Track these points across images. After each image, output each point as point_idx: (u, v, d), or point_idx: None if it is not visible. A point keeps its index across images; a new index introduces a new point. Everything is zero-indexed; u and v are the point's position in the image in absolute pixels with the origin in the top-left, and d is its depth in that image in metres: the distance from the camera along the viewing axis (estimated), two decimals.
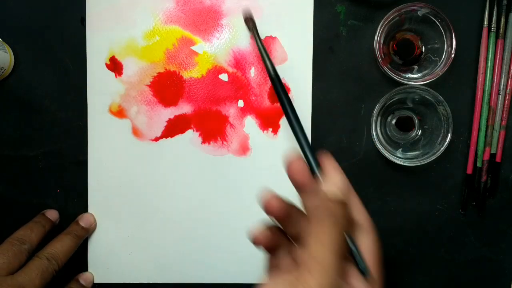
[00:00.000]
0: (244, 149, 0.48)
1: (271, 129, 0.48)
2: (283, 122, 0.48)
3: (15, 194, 0.49)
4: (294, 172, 0.31)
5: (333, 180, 0.31)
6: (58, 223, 0.48)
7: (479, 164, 0.48)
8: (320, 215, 0.29)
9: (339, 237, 0.28)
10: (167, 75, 0.48)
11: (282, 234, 0.34)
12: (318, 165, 0.32)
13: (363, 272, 0.29)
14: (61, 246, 0.44)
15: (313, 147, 0.33)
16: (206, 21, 0.48)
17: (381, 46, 0.46)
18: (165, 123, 0.48)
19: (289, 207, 0.32)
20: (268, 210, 0.32)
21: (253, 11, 0.48)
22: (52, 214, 0.47)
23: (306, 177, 0.31)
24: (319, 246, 0.27)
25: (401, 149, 0.47)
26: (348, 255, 0.30)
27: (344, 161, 0.48)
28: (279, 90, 0.37)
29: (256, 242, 0.33)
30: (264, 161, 0.48)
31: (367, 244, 0.30)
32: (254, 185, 0.48)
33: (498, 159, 0.47)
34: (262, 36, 0.48)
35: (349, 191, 0.32)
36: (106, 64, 0.48)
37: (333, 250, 0.27)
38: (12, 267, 0.41)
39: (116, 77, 0.48)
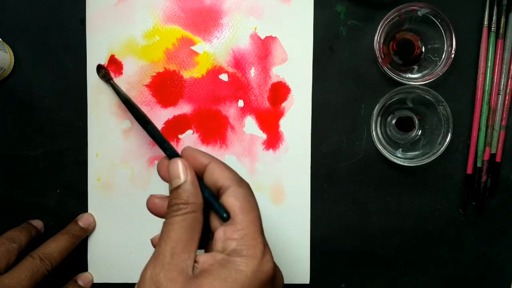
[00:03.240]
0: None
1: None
2: (283, 122, 0.48)
3: (15, 194, 0.49)
4: (162, 175, 0.34)
5: (171, 167, 0.32)
6: (42, 234, 0.48)
7: (479, 164, 0.48)
8: (166, 215, 0.31)
9: (178, 225, 0.30)
10: (167, 74, 0.48)
11: None
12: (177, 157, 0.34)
13: (222, 217, 0.31)
14: (56, 246, 0.44)
15: (171, 146, 0.35)
16: (206, 21, 0.48)
17: (381, 46, 0.46)
18: (162, 125, 0.48)
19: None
20: (153, 211, 0.35)
21: (254, 11, 0.48)
22: (37, 223, 0.48)
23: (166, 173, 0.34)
24: (158, 241, 0.31)
25: (401, 149, 0.47)
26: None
27: (344, 161, 0.48)
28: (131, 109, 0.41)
29: (152, 210, 0.35)
30: (265, 164, 0.48)
31: (226, 200, 0.31)
32: (254, 186, 0.48)
33: (498, 159, 0.47)
34: (262, 36, 0.48)
35: (209, 162, 0.33)
36: (106, 64, 0.48)
37: (166, 238, 0.30)
38: (0, 266, 0.41)
39: (116, 76, 0.48)
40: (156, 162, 0.48)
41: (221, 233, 0.31)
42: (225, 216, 0.31)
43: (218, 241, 0.30)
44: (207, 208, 0.32)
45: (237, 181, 0.32)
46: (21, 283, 0.40)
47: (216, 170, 0.32)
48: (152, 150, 0.49)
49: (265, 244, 0.30)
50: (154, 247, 0.33)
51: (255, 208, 0.31)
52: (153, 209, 0.34)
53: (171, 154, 0.35)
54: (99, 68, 0.48)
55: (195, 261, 0.30)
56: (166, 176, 0.34)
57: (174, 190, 0.32)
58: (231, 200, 0.31)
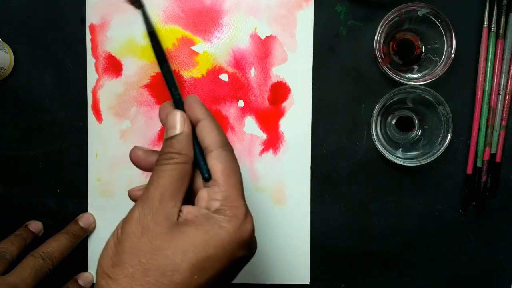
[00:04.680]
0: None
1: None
2: (283, 122, 0.48)
3: (15, 194, 0.49)
4: (161, 116, 0.35)
5: (170, 117, 0.33)
6: (41, 235, 0.48)
7: (479, 164, 0.48)
8: (156, 160, 0.32)
9: (167, 172, 0.31)
10: None
11: None
12: (181, 106, 0.34)
13: (203, 177, 0.32)
14: (57, 246, 0.44)
15: (179, 93, 0.35)
16: (206, 21, 0.48)
17: (381, 46, 0.46)
18: (161, 125, 0.48)
19: (153, 155, 0.35)
20: (135, 163, 0.35)
21: (253, 11, 0.48)
22: (35, 226, 0.47)
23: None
24: (146, 185, 0.31)
25: (401, 149, 0.47)
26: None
27: (344, 161, 0.48)
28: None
29: (136, 162, 0.36)
30: (265, 164, 0.48)
31: (211, 161, 0.32)
32: (254, 186, 0.49)
33: (498, 159, 0.47)
34: (262, 36, 0.48)
35: (202, 119, 0.33)
36: (106, 64, 0.48)
37: (155, 184, 0.31)
38: None
39: (115, 76, 0.48)
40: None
41: (204, 193, 0.32)
42: (206, 176, 0.32)
43: (202, 200, 0.32)
44: (194, 164, 0.33)
45: (223, 144, 0.33)
46: (26, 281, 0.41)
47: (205, 129, 0.33)
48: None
49: (246, 207, 0.32)
50: (132, 198, 0.35)
51: (236, 172, 0.33)
52: (136, 161, 0.35)
53: (175, 100, 0.35)
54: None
55: (180, 211, 0.31)
56: (164, 120, 0.34)
57: (168, 139, 0.32)
58: (214, 162, 0.32)
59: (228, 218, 0.31)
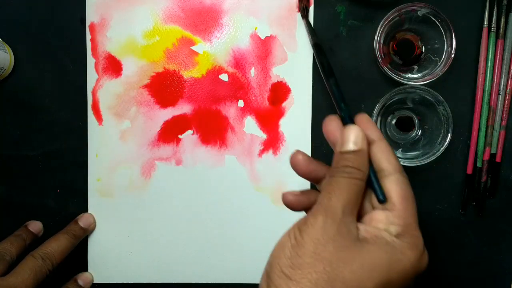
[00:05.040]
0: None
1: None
2: (283, 122, 0.48)
3: (15, 194, 0.49)
4: (327, 129, 0.34)
5: (347, 131, 0.32)
6: (41, 235, 0.48)
7: (479, 164, 0.48)
8: (332, 170, 0.32)
9: (347, 185, 0.30)
10: (166, 75, 0.48)
11: (317, 193, 0.37)
12: (351, 119, 0.34)
13: (378, 198, 0.31)
14: (57, 246, 0.44)
15: (348, 105, 0.35)
16: (206, 21, 0.48)
17: (381, 46, 0.46)
18: (161, 125, 0.48)
19: (315, 164, 0.35)
20: (293, 165, 0.35)
21: (253, 11, 0.48)
22: (35, 227, 0.47)
23: (337, 135, 0.34)
24: (325, 193, 0.31)
25: (401, 149, 0.47)
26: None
27: None
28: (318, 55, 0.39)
29: (288, 205, 0.36)
30: (265, 165, 0.48)
31: (391, 185, 0.31)
32: (254, 186, 0.49)
33: (498, 159, 0.47)
34: (262, 36, 0.48)
35: (378, 140, 0.33)
36: (106, 64, 0.48)
37: (338, 195, 0.30)
38: None
39: (115, 76, 0.48)
40: (157, 163, 0.48)
41: (381, 215, 0.31)
42: (382, 198, 0.31)
43: (378, 222, 0.31)
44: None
45: (401, 170, 0.32)
46: (25, 282, 0.40)
47: (384, 151, 0.32)
48: (152, 150, 0.49)
49: (422, 239, 0.32)
50: (286, 202, 0.35)
51: (414, 201, 0.32)
52: (289, 204, 0.36)
53: (345, 116, 0.34)
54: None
55: (356, 227, 0.30)
56: (330, 133, 0.34)
57: (347, 153, 0.32)
58: (395, 187, 0.31)
59: (410, 246, 0.30)
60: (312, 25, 0.47)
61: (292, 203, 0.35)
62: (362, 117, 0.34)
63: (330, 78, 0.36)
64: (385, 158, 0.32)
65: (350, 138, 0.32)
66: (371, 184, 0.32)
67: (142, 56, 0.48)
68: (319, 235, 0.29)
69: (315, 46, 0.38)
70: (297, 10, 0.46)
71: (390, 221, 0.31)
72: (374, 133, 0.33)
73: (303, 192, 0.36)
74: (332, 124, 0.34)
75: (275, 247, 0.32)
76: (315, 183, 0.37)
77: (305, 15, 0.45)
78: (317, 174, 0.36)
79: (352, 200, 0.30)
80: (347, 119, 0.34)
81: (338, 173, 0.31)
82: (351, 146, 0.32)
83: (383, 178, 0.32)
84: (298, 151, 0.35)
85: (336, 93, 0.35)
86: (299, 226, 0.31)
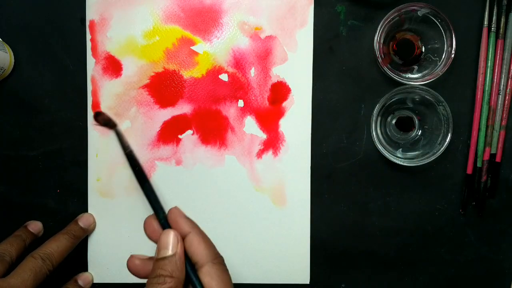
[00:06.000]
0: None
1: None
2: (283, 122, 0.48)
3: (15, 194, 0.49)
4: (148, 232, 0.36)
5: (160, 238, 0.34)
6: (41, 235, 0.48)
7: (479, 164, 0.48)
8: (147, 283, 0.33)
9: None
10: (166, 74, 0.48)
11: None
12: (166, 222, 0.36)
13: None
14: (57, 246, 0.44)
15: (162, 207, 0.37)
16: (206, 20, 0.48)
17: (381, 46, 0.46)
18: (161, 125, 0.48)
19: (149, 264, 0.36)
20: (131, 270, 0.36)
21: (253, 11, 0.48)
22: (35, 227, 0.47)
23: (157, 235, 0.35)
24: None
25: (401, 149, 0.47)
26: None
27: (344, 161, 0.48)
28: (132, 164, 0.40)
29: (131, 270, 0.37)
30: (264, 166, 0.48)
31: (203, 278, 0.33)
32: (254, 186, 0.49)
33: (498, 159, 0.47)
34: (262, 36, 0.48)
35: (189, 233, 0.35)
36: (106, 64, 0.48)
37: None
38: None
39: (115, 77, 0.48)
40: (157, 163, 0.48)
41: None
42: None
43: None
44: (186, 280, 0.34)
45: (212, 258, 0.34)
46: (25, 283, 0.40)
47: (193, 243, 0.34)
48: (152, 150, 0.49)
49: None
50: (130, 267, 0.36)
51: (228, 284, 0.34)
52: (133, 270, 0.36)
53: (160, 219, 0.36)
54: (98, 115, 0.42)
55: None
56: (152, 235, 0.36)
57: (161, 260, 0.33)
58: (208, 279, 0.33)
59: None
60: (312, 25, 0.47)
61: (138, 269, 0.36)
62: (173, 214, 0.36)
63: (145, 184, 0.38)
64: (195, 250, 0.34)
65: (163, 243, 0.34)
66: (192, 283, 0.34)
67: (142, 56, 0.48)
68: None
69: (128, 155, 0.39)
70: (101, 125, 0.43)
71: None
72: (185, 226, 0.35)
73: (151, 259, 0.37)
74: (150, 225, 0.36)
75: None
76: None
77: (112, 126, 0.42)
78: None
79: None
80: (165, 223, 0.36)
81: (151, 284, 0.32)
82: (163, 252, 0.33)
83: (198, 271, 0.33)
84: (132, 256, 0.37)
85: (151, 198, 0.37)
86: None
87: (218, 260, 0.34)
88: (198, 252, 0.34)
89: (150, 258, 0.36)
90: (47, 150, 0.49)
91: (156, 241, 0.35)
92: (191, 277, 0.33)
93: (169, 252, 0.33)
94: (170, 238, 0.33)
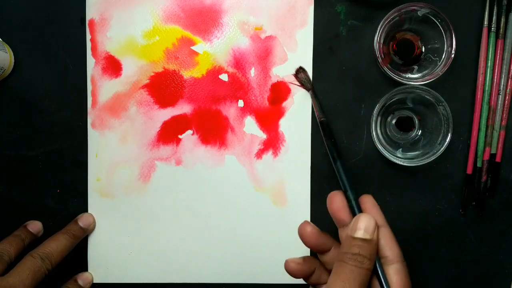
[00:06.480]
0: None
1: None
2: (283, 122, 0.48)
3: (15, 194, 0.49)
4: (333, 207, 0.36)
5: (360, 219, 0.34)
6: (41, 235, 0.48)
7: (479, 164, 0.48)
8: (342, 255, 0.33)
9: (358, 275, 0.32)
10: (166, 74, 0.48)
11: (317, 262, 0.39)
12: (357, 203, 0.36)
13: None
14: (56, 246, 0.44)
15: (354, 188, 0.37)
16: (206, 20, 0.48)
17: (381, 46, 0.46)
18: (161, 125, 0.48)
19: (323, 237, 0.37)
20: (302, 237, 0.37)
21: (253, 11, 0.48)
22: (34, 227, 0.47)
23: (342, 213, 0.36)
24: (339, 282, 0.32)
25: (401, 149, 0.47)
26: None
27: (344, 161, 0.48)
28: (327, 136, 0.39)
29: (290, 273, 0.37)
30: (265, 166, 0.48)
31: (393, 275, 0.33)
32: (254, 186, 0.49)
33: (498, 159, 0.47)
34: (262, 36, 0.48)
35: (382, 226, 0.35)
36: (106, 64, 0.48)
37: (352, 286, 0.32)
38: None
39: (115, 77, 0.48)
40: (157, 163, 0.48)
41: None
42: None
43: None
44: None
45: (402, 258, 0.34)
46: (24, 282, 0.40)
47: (387, 238, 0.34)
48: (152, 150, 0.49)
49: None
50: (288, 269, 0.36)
51: None
52: (291, 272, 0.37)
53: (354, 200, 0.36)
54: (300, 71, 0.45)
55: None
56: (336, 212, 0.36)
57: (360, 240, 0.33)
58: (396, 277, 0.33)
59: None
60: (312, 25, 0.48)
61: (294, 271, 0.37)
62: (368, 201, 0.36)
63: (337, 161, 0.37)
64: (388, 246, 0.34)
65: (363, 226, 0.33)
66: (377, 277, 0.33)
67: (142, 56, 0.48)
68: None
69: (321, 124, 0.39)
70: (300, 86, 0.46)
71: None
72: (379, 219, 0.35)
73: (305, 260, 0.37)
74: (337, 202, 0.36)
75: None
76: (319, 253, 0.38)
77: (310, 88, 0.45)
78: (324, 247, 0.37)
79: None
80: (355, 206, 0.35)
81: (350, 260, 0.32)
82: (363, 234, 0.33)
83: (384, 265, 0.33)
84: (307, 223, 0.37)
85: (343, 178, 0.37)
86: None
87: (404, 261, 0.34)
88: (391, 247, 0.34)
89: (305, 260, 0.37)
90: (47, 150, 0.49)
91: (338, 218, 0.36)
92: (378, 269, 0.33)
93: (369, 236, 0.33)
94: (372, 224, 0.33)
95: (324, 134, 0.38)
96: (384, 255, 0.34)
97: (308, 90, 0.45)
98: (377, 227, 0.34)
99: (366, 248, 0.33)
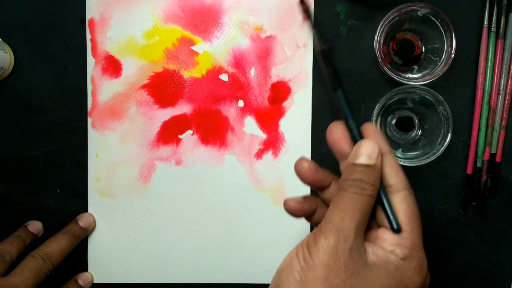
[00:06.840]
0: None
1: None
2: (283, 122, 0.48)
3: (15, 194, 0.49)
4: (333, 137, 0.33)
5: (362, 145, 0.31)
6: (41, 235, 0.48)
7: (479, 164, 0.48)
8: (343, 183, 0.30)
9: (359, 203, 0.29)
10: (166, 74, 0.48)
11: (319, 200, 0.36)
12: (359, 131, 0.33)
13: (392, 226, 0.30)
14: (57, 246, 0.44)
15: (354, 116, 0.33)
16: (206, 20, 0.48)
17: (381, 46, 0.46)
18: (161, 125, 0.48)
19: (321, 172, 0.34)
20: (299, 173, 0.34)
21: (253, 11, 0.48)
22: (35, 227, 0.47)
23: (343, 143, 0.32)
24: (337, 211, 0.29)
25: (401, 149, 0.47)
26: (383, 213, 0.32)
27: None
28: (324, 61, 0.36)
29: (290, 212, 0.35)
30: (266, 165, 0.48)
31: (399, 203, 0.31)
32: (254, 186, 0.49)
33: (498, 159, 0.47)
34: (262, 36, 0.48)
35: (386, 153, 0.32)
36: (106, 64, 0.48)
37: (352, 215, 0.29)
38: None
39: (115, 77, 0.48)
40: (157, 163, 0.48)
41: (389, 235, 0.31)
42: (396, 229, 0.30)
43: (385, 242, 0.30)
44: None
45: (409, 186, 0.31)
46: (26, 282, 0.41)
47: (392, 165, 0.31)
48: (152, 150, 0.49)
49: (426, 260, 0.31)
50: (288, 209, 0.34)
51: (420, 219, 0.32)
52: (291, 211, 0.34)
53: (355, 129, 0.33)
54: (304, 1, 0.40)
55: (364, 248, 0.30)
56: (336, 142, 0.33)
57: (362, 166, 0.30)
58: (403, 205, 0.31)
59: (417, 270, 0.30)
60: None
61: (294, 210, 0.34)
62: (370, 128, 0.33)
63: (339, 89, 0.34)
64: (393, 173, 0.31)
65: (365, 151, 0.31)
66: (382, 206, 0.31)
67: (141, 56, 0.48)
68: (331, 260, 0.28)
69: (322, 52, 0.35)
70: (303, 19, 0.43)
71: (397, 242, 0.30)
72: (383, 146, 0.32)
73: (305, 199, 0.35)
74: (337, 132, 0.33)
75: (282, 266, 0.30)
76: (319, 191, 0.36)
77: (308, 17, 0.42)
78: (323, 183, 0.35)
79: (363, 220, 0.30)
80: (357, 134, 0.32)
81: (350, 187, 0.30)
82: (366, 159, 0.30)
83: (390, 194, 0.31)
84: (303, 159, 0.34)
85: (343, 106, 0.34)
86: (309, 246, 0.29)
87: (412, 190, 0.31)
88: (397, 175, 0.31)
89: (305, 199, 0.34)
90: (47, 150, 0.49)
91: (339, 149, 0.33)
92: (382, 197, 0.31)
93: (372, 162, 0.30)
94: (376, 149, 0.30)
95: (324, 62, 0.35)
96: (389, 184, 0.31)
97: (307, 18, 0.41)
98: (380, 154, 0.31)
99: (368, 174, 0.30)
